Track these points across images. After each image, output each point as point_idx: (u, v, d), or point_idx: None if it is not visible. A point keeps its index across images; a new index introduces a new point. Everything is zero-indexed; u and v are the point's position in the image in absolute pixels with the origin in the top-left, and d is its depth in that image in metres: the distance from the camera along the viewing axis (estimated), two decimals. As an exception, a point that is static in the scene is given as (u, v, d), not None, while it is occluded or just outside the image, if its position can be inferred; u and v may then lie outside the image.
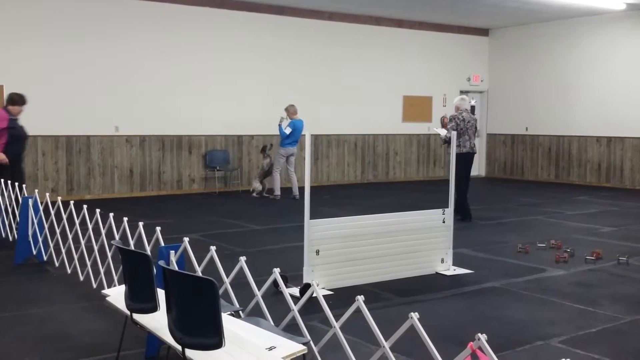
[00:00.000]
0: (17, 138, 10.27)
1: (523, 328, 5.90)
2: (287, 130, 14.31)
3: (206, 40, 15.51)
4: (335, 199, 14.45)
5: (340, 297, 6.43)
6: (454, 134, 8.27)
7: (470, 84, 20.14)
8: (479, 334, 3.13)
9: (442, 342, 5.10)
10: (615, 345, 5.45)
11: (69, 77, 13.92)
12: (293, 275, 7.18)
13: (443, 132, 11.93)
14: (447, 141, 11.32)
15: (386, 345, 3.76)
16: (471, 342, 3.19)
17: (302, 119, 14.54)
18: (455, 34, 19.62)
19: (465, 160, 11.57)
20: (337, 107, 17.49)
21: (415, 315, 3.56)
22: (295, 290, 6.67)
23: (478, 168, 20.69)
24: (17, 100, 10.37)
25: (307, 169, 6.71)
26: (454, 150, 8.15)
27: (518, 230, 10.90)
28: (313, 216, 6.86)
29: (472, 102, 20.51)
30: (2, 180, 9.50)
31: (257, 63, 16.20)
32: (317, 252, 6.89)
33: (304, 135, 6.76)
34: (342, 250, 7.13)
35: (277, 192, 14.52)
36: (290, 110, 14.49)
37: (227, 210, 13.02)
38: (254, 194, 14.79)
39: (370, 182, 18.19)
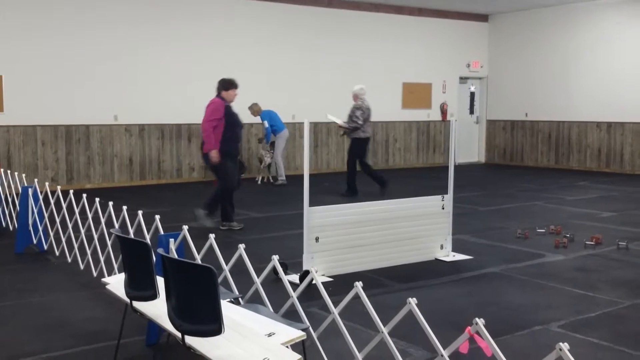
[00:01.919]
0: (233, 126, 9.42)
1: (522, 313, 5.92)
2: (266, 124, 14.90)
3: (205, 29, 15.48)
4: (335, 186, 14.44)
5: (340, 284, 6.44)
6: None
7: (470, 70, 20.11)
8: (477, 319, 3.15)
9: (442, 327, 5.12)
10: (615, 330, 5.47)
11: (67, 67, 13.90)
12: (293, 263, 7.19)
13: (339, 120, 12.93)
14: (346, 132, 13.03)
15: (385, 330, 3.78)
16: (469, 327, 3.21)
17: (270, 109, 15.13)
18: (454, 20, 19.56)
19: (366, 144, 12.97)
20: (336, 95, 17.44)
21: (413, 301, 3.57)
22: (295, 278, 6.69)
23: (478, 154, 20.71)
24: (231, 84, 9.61)
25: (305, 156, 6.71)
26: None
27: (517, 216, 10.91)
28: (313, 203, 6.87)
29: (472, 89, 20.52)
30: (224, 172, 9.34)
31: (255, 51, 16.16)
32: (317, 239, 6.90)
33: (302, 123, 6.75)
34: (341, 237, 7.14)
35: (283, 177, 14.88)
36: (255, 109, 15.00)
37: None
38: (262, 166, 15.27)
39: (370, 169, 18.16)
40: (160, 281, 4.02)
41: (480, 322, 3.14)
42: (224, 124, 9.29)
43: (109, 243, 6.64)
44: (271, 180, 15.22)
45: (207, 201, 9.64)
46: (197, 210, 9.55)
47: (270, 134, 15.01)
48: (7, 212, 9.51)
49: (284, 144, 15.12)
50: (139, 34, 14.66)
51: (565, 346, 2.84)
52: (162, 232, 5.38)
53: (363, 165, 13.03)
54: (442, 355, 3.44)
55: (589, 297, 6.40)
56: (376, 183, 12.87)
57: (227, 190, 9.47)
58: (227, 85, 9.60)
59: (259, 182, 15.20)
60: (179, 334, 3.66)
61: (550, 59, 18.73)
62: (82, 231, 7.27)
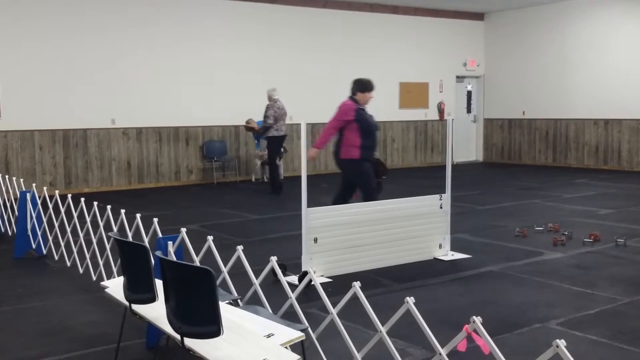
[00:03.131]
0: (367, 130, 8.47)
1: (521, 311, 5.93)
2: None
3: (201, 31, 15.49)
4: (334, 187, 14.42)
5: (339, 285, 6.45)
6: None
7: (466, 69, 20.13)
8: (474, 317, 3.16)
9: (441, 326, 5.13)
10: (613, 327, 5.48)
11: (64, 71, 13.90)
12: (292, 264, 7.20)
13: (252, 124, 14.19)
14: (258, 132, 14.05)
15: (383, 330, 3.79)
16: (466, 325, 3.22)
17: None
18: (450, 19, 19.58)
19: (279, 142, 13.65)
20: (334, 95, 17.38)
21: (411, 300, 3.58)
22: (295, 279, 6.70)
23: (476, 153, 20.73)
24: (368, 86, 8.81)
25: (303, 157, 6.72)
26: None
27: (516, 214, 10.92)
28: (312, 204, 6.88)
29: (469, 87, 20.54)
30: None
31: (252, 53, 16.18)
32: (315, 240, 6.92)
33: (299, 124, 6.76)
34: (340, 238, 7.15)
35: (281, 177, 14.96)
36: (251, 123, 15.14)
37: (225, 200, 13.04)
38: (258, 165, 15.34)
39: (368, 170, 18.16)
40: (159, 284, 4.03)
41: (478, 320, 3.15)
42: (359, 129, 8.37)
43: (107, 247, 6.64)
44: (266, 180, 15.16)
45: None
46: None
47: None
48: (5, 218, 9.51)
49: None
50: (135, 37, 14.66)
51: (562, 343, 2.85)
52: (160, 235, 5.39)
53: (270, 162, 13.82)
54: (440, 354, 3.45)
55: (587, 295, 6.41)
56: (271, 185, 13.82)
57: (371, 199, 8.27)
58: (363, 87, 8.75)
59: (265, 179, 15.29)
60: (178, 336, 3.67)
61: (547, 56, 18.76)
62: (81, 235, 7.28)
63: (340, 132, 8.48)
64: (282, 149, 13.99)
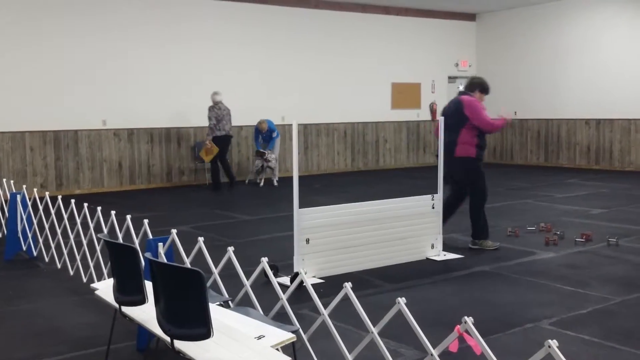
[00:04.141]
0: (483, 133, 8.68)
1: (513, 311, 5.92)
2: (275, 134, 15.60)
3: (192, 32, 15.45)
4: (326, 188, 14.45)
5: (331, 285, 6.43)
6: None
7: (458, 69, 20.14)
8: (466, 317, 3.14)
9: (433, 326, 5.11)
10: (605, 326, 5.48)
11: (55, 73, 13.85)
12: (284, 265, 7.18)
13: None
14: (208, 132, 14.33)
15: (375, 330, 3.77)
16: (458, 325, 3.20)
17: None
18: (442, 19, 19.59)
19: (225, 140, 14.43)
20: (326, 96, 17.47)
21: (402, 300, 3.56)
22: (286, 280, 6.67)
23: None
24: (488, 89, 9.10)
25: (294, 158, 6.70)
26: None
27: (508, 214, 10.92)
28: (304, 205, 6.86)
29: (461, 88, 20.49)
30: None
31: (244, 53, 16.15)
32: (307, 240, 6.89)
33: (291, 124, 6.73)
34: (332, 239, 7.13)
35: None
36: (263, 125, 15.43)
37: (217, 201, 13.01)
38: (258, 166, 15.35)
39: (360, 170, 18.19)
40: (149, 286, 4.00)
41: (470, 320, 3.13)
42: (477, 128, 8.44)
43: (98, 248, 6.61)
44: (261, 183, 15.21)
45: (474, 228, 8.39)
46: (474, 242, 8.40)
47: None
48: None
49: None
50: (126, 38, 14.62)
51: (554, 343, 2.84)
52: (150, 236, 5.36)
53: (220, 161, 14.56)
54: (432, 355, 3.44)
55: (579, 294, 6.41)
56: (212, 181, 14.76)
57: (483, 202, 8.34)
58: (485, 89, 8.94)
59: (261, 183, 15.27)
60: (168, 339, 3.64)
61: (539, 56, 18.78)
62: (72, 237, 7.24)
63: (456, 129, 8.31)
64: (226, 147, 14.67)
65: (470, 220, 8.42)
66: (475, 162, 8.35)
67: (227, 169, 14.66)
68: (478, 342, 3.13)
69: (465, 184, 8.38)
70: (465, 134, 8.32)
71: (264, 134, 15.32)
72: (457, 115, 8.36)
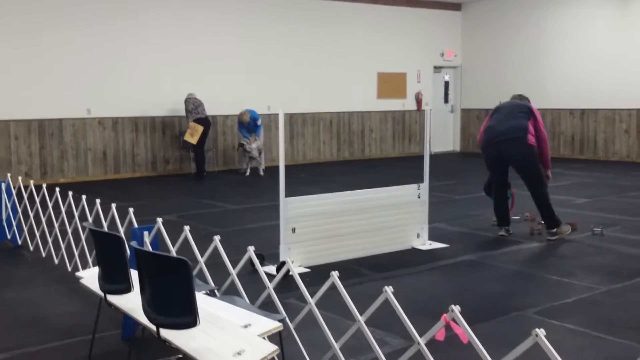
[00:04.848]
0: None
1: (499, 300, 5.95)
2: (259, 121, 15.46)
3: (178, 22, 15.36)
4: (312, 177, 14.44)
5: (318, 275, 6.43)
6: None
7: (444, 59, 20.14)
8: (452, 306, 3.15)
9: (419, 315, 5.12)
10: (591, 315, 5.51)
11: (39, 61, 13.73)
12: (270, 254, 7.17)
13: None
14: (189, 116, 14.55)
15: (361, 319, 3.77)
16: (445, 314, 3.21)
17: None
18: (428, 9, 19.58)
19: (205, 124, 14.49)
20: (312, 86, 17.43)
21: (389, 289, 3.56)
22: (273, 269, 6.67)
23: (453, 143, 20.78)
24: None
25: (281, 147, 6.68)
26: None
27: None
28: (290, 194, 6.85)
29: (446, 78, 20.56)
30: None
31: (230, 43, 16.07)
32: (294, 229, 6.89)
33: (277, 114, 6.72)
34: (318, 228, 7.12)
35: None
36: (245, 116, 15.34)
37: (203, 190, 12.97)
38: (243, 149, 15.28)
39: (346, 160, 18.18)
40: (134, 274, 3.98)
41: (456, 309, 3.14)
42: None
43: (82, 237, 6.57)
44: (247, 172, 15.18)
45: (546, 220, 8.45)
46: (549, 232, 8.40)
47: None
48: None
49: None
50: (110, 27, 14.50)
51: (541, 332, 2.84)
52: (136, 225, 5.33)
53: (198, 149, 14.70)
54: (418, 344, 3.44)
55: (564, 284, 6.44)
56: (196, 170, 14.88)
57: (546, 190, 8.47)
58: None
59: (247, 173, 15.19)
60: (153, 327, 3.63)
61: (524, 46, 18.81)
62: (56, 226, 7.20)
63: (527, 120, 8.58)
64: (208, 134, 14.78)
65: (540, 210, 8.47)
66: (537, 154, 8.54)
67: (200, 161, 14.78)
68: (465, 330, 3.14)
69: (524, 172, 8.54)
70: (531, 128, 8.52)
71: (249, 124, 15.24)
72: (525, 109, 8.75)
